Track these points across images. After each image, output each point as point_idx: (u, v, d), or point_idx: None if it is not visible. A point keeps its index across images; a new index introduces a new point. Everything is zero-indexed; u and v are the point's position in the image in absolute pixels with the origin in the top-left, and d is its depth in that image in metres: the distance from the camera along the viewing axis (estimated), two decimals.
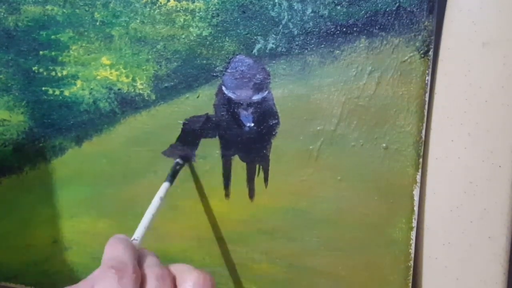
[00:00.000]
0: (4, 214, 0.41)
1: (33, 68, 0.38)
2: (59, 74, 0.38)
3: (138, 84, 0.36)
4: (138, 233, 0.29)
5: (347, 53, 0.33)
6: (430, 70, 0.32)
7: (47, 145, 0.39)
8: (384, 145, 0.33)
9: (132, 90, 0.37)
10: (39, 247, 0.41)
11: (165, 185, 0.34)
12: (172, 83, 0.36)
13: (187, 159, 0.37)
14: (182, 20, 0.35)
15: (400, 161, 0.33)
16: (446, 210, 0.33)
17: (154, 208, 0.31)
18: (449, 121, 0.32)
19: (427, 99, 0.32)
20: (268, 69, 0.34)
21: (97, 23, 0.36)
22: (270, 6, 0.33)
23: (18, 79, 0.38)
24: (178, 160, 0.36)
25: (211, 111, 0.36)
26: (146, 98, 0.37)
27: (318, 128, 0.34)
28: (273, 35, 0.34)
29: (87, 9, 0.36)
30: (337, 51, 0.33)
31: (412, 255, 0.34)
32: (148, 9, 0.35)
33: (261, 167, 0.36)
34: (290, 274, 0.37)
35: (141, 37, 0.36)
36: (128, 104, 0.37)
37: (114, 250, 0.22)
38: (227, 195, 0.36)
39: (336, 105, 0.34)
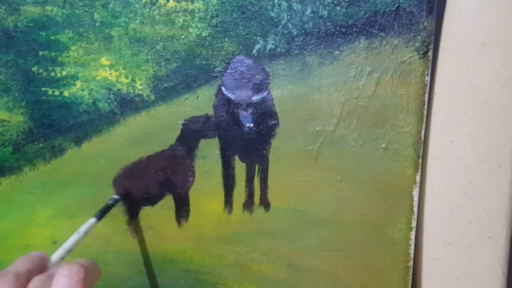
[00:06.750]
0: (3, 214, 0.41)
1: (33, 69, 0.38)
2: (59, 75, 0.38)
3: (137, 84, 0.36)
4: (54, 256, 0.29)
5: (347, 53, 0.33)
6: (429, 70, 0.32)
7: (47, 146, 0.39)
8: (383, 145, 0.33)
9: (132, 90, 0.37)
10: (39, 247, 0.40)
11: (91, 221, 0.32)
12: (172, 84, 0.36)
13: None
14: (181, 20, 0.35)
15: (400, 162, 0.33)
16: (446, 211, 0.33)
17: (72, 242, 0.30)
18: (449, 122, 0.32)
19: (426, 99, 0.32)
20: (267, 69, 0.34)
21: (97, 24, 0.36)
22: (269, 6, 0.33)
23: (17, 80, 0.38)
24: (115, 196, 0.36)
25: (210, 112, 0.36)
26: (146, 99, 0.37)
27: (318, 128, 0.34)
28: (272, 35, 0.34)
29: (86, 9, 0.36)
30: (337, 52, 0.33)
31: (412, 255, 0.34)
32: (148, 9, 0.35)
33: (260, 167, 0.36)
34: (290, 274, 0.37)
35: (141, 37, 0.36)
36: (128, 104, 0.37)
37: (13, 264, 0.26)
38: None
39: (335, 106, 0.34)
